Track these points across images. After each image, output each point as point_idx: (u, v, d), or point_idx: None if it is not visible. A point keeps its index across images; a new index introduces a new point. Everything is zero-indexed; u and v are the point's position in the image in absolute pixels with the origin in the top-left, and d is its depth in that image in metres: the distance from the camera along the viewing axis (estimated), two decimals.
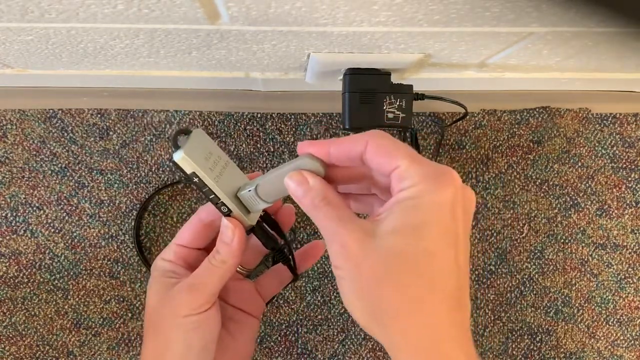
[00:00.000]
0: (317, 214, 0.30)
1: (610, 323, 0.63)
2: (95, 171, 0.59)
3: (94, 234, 0.59)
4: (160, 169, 0.59)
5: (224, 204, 0.35)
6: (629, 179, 0.62)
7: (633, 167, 0.62)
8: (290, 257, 0.41)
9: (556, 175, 0.62)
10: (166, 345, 0.35)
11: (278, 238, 0.39)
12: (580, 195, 0.62)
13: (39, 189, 0.59)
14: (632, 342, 0.63)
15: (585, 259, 0.62)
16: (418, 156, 0.30)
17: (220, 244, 0.36)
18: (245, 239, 0.36)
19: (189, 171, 0.34)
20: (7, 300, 0.59)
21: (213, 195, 0.35)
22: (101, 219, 0.59)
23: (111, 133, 0.59)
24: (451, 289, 0.28)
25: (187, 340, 0.35)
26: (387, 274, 0.28)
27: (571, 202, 0.62)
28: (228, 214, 0.36)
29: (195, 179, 0.34)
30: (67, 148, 0.59)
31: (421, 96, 0.49)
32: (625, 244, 0.62)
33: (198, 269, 0.36)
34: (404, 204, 0.28)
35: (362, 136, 0.30)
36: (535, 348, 0.63)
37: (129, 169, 0.59)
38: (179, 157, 0.34)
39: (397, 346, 0.28)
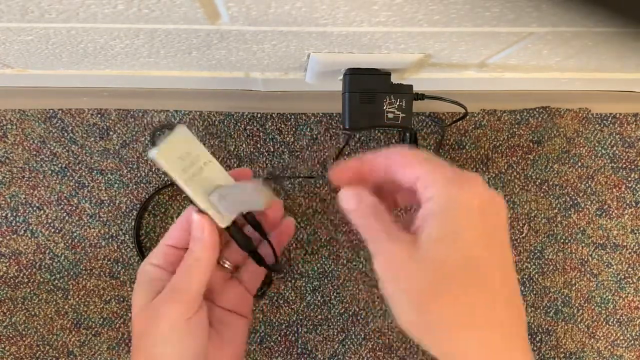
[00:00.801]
0: (364, 222, 0.31)
1: (610, 323, 0.63)
2: (95, 171, 0.59)
3: (94, 234, 0.59)
4: (160, 169, 0.59)
5: (195, 204, 0.35)
6: (629, 179, 0.62)
7: (633, 167, 0.62)
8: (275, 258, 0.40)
9: (556, 175, 0.62)
10: (156, 358, 0.34)
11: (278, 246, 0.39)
12: (580, 195, 0.62)
13: (39, 189, 0.59)
14: (632, 342, 0.63)
15: (585, 259, 0.63)
16: (439, 162, 0.30)
17: (192, 241, 0.35)
18: (217, 233, 0.35)
19: (161, 170, 0.34)
20: (7, 300, 0.59)
21: (185, 195, 0.35)
22: (101, 219, 0.59)
23: (111, 133, 0.59)
24: (498, 292, 0.28)
25: (177, 351, 0.34)
26: (435, 287, 0.27)
27: (571, 202, 0.62)
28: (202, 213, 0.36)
29: (169, 177, 0.34)
30: (67, 148, 0.59)
31: (421, 96, 0.49)
32: (625, 244, 0.62)
33: (176, 273, 0.35)
34: (435, 214, 0.28)
35: (384, 153, 0.31)
36: (535, 348, 0.63)
37: (129, 169, 0.59)
38: (152, 155, 0.34)
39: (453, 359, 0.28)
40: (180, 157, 0.35)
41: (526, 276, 0.62)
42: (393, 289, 0.29)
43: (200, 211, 0.35)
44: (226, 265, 0.41)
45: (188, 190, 0.35)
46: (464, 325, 0.27)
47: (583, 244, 0.62)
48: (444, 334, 0.28)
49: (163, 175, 0.59)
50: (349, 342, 0.62)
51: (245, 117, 0.60)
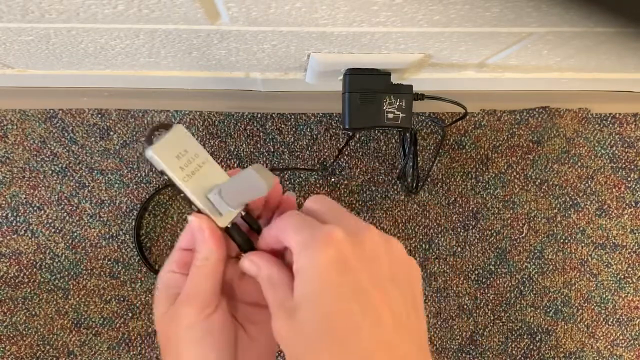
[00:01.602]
0: (265, 296, 0.33)
1: (609, 323, 0.63)
2: (95, 171, 0.59)
3: (95, 234, 0.59)
4: (157, 168, 0.59)
5: (193, 204, 0.35)
6: (629, 179, 0.62)
7: (632, 167, 0.62)
8: None
9: (556, 175, 0.62)
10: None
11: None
12: (580, 195, 0.62)
13: (39, 189, 0.59)
14: (632, 341, 0.63)
15: (585, 259, 0.63)
16: (304, 222, 0.32)
17: (197, 242, 0.35)
18: (218, 230, 0.35)
19: (159, 168, 0.34)
20: (7, 300, 0.59)
21: (183, 194, 0.35)
22: (102, 219, 0.59)
23: (112, 133, 0.59)
24: (363, 339, 0.29)
25: (199, 352, 0.34)
26: (305, 350, 0.30)
27: (571, 202, 0.62)
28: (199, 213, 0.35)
29: (166, 177, 0.34)
30: (67, 148, 0.59)
31: (421, 96, 0.49)
32: (624, 243, 0.63)
33: (189, 275, 0.36)
34: (297, 277, 0.31)
35: (274, 222, 0.34)
36: (534, 348, 0.63)
37: (129, 169, 0.59)
38: (149, 154, 0.34)
39: None
40: (177, 155, 0.35)
41: (526, 276, 0.62)
42: (286, 346, 0.32)
43: (199, 211, 0.35)
44: None
45: (185, 189, 0.35)
46: None
47: (583, 244, 0.62)
48: None
49: (163, 175, 0.59)
50: None
51: (245, 117, 0.60)
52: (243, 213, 0.37)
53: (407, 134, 0.58)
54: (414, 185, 0.59)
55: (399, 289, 0.31)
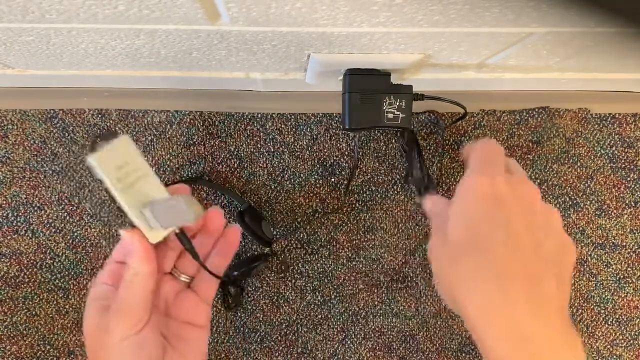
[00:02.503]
0: (432, 222, 0.41)
1: (609, 322, 0.63)
2: None
3: (95, 234, 0.60)
4: (161, 169, 0.59)
5: (127, 216, 0.35)
6: (628, 179, 0.62)
7: (632, 167, 0.62)
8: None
9: (555, 175, 0.62)
10: None
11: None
12: (580, 195, 0.62)
13: (40, 189, 0.59)
14: (631, 341, 0.63)
15: (585, 259, 0.63)
16: (490, 156, 0.40)
17: (128, 256, 0.35)
18: (150, 245, 0.35)
19: (97, 176, 0.34)
20: (8, 300, 0.59)
21: (118, 206, 0.35)
22: (102, 219, 0.59)
23: None
24: (505, 266, 0.33)
25: None
26: (453, 261, 0.35)
27: (570, 202, 0.62)
28: (132, 226, 0.35)
29: (103, 186, 0.34)
30: (68, 148, 0.59)
31: (421, 96, 0.49)
32: (624, 243, 0.63)
33: (119, 288, 0.36)
34: (456, 195, 0.37)
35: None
36: None
37: None
38: (89, 161, 0.34)
39: (472, 321, 0.34)
40: (118, 166, 0.34)
41: None
42: (431, 262, 0.39)
43: (133, 225, 0.35)
44: (182, 278, 0.41)
45: (121, 201, 0.34)
46: (472, 291, 0.35)
47: (582, 244, 0.63)
48: (461, 301, 0.35)
49: (163, 175, 0.60)
50: (349, 342, 0.62)
51: (245, 117, 0.60)
52: (177, 230, 0.36)
53: (407, 134, 0.58)
54: (424, 187, 0.59)
55: (547, 253, 0.36)
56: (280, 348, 0.61)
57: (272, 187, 0.60)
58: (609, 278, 0.63)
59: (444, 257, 0.36)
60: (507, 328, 0.33)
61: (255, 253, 0.60)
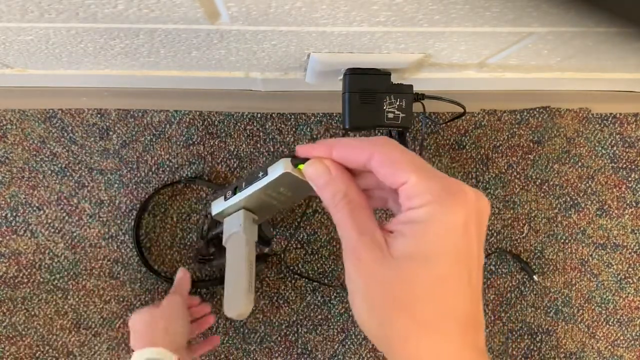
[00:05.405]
0: (338, 216, 0.28)
1: (610, 323, 0.63)
2: (95, 171, 0.59)
3: (94, 234, 0.59)
4: (160, 169, 0.59)
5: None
6: (629, 179, 0.62)
7: (633, 167, 0.62)
8: None
9: (556, 175, 0.62)
10: None
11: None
12: (581, 195, 0.62)
13: (39, 189, 0.59)
14: (632, 342, 0.63)
15: (586, 259, 0.62)
16: (428, 169, 0.28)
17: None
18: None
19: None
20: (7, 300, 0.59)
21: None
22: (101, 219, 0.59)
23: (111, 133, 0.59)
24: (464, 311, 0.27)
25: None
26: (398, 298, 0.27)
27: (571, 202, 0.62)
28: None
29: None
30: (67, 148, 0.59)
31: (421, 96, 0.49)
32: (625, 244, 0.62)
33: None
34: (415, 227, 0.27)
35: (369, 143, 0.28)
36: (535, 348, 0.63)
37: (128, 169, 0.59)
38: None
39: None
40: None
41: (526, 276, 0.62)
42: (356, 292, 0.28)
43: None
44: None
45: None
46: (418, 338, 0.27)
47: (583, 244, 0.62)
48: (398, 343, 0.27)
49: (162, 175, 0.59)
50: (349, 342, 0.62)
51: (245, 117, 0.60)
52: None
53: (407, 134, 0.57)
54: None
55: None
56: (280, 349, 0.61)
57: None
58: (610, 278, 0.63)
59: (395, 286, 0.28)
60: None
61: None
